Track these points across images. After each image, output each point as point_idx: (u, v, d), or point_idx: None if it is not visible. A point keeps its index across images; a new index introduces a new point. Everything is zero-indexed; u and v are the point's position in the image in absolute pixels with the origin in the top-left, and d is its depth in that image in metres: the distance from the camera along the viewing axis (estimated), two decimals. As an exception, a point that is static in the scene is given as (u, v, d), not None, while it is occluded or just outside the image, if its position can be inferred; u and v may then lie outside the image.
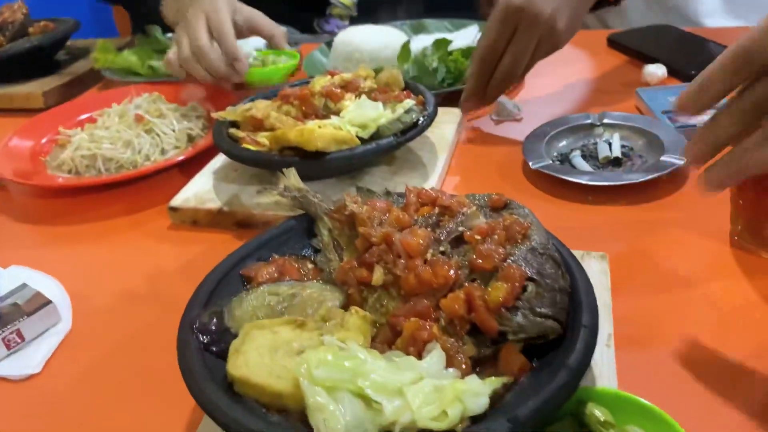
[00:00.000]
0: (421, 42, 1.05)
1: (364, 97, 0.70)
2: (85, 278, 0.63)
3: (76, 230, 0.72)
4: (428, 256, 0.44)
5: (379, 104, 0.68)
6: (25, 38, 1.12)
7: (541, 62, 0.79)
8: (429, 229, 0.46)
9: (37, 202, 0.78)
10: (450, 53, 0.93)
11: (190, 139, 0.84)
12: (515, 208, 0.47)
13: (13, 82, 1.07)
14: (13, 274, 0.62)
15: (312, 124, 0.66)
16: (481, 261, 0.41)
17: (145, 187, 0.76)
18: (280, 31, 1.00)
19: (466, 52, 0.93)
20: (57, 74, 1.10)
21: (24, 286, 0.58)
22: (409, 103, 0.68)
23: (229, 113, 0.73)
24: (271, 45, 1.01)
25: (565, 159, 0.72)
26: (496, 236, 0.43)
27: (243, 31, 0.95)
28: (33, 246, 0.70)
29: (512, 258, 0.41)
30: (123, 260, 0.66)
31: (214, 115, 0.73)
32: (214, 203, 0.68)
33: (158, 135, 0.82)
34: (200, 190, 0.70)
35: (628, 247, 0.57)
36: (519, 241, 0.43)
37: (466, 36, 1.03)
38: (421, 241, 0.44)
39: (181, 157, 0.75)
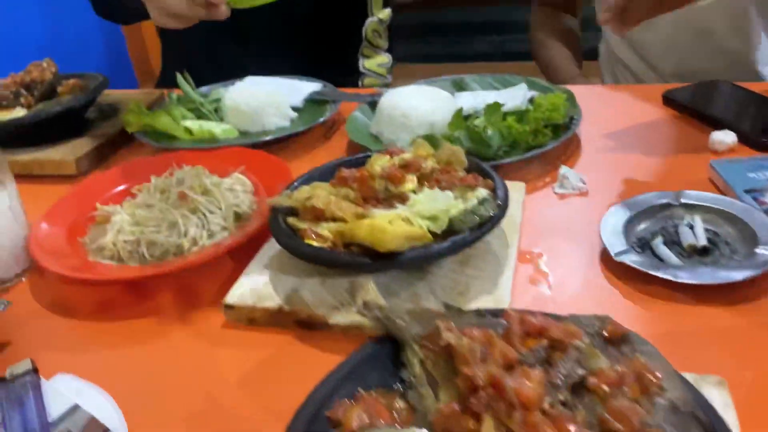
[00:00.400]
0: (464, 100, 1.01)
1: (437, 189, 0.65)
2: (137, 389, 0.58)
3: (121, 327, 0.67)
4: (545, 405, 0.39)
5: (449, 194, 0.64)
6: (54, 100, 1.08)
7: (596, 122, 0.75)
8: (541, 369, 0.41)
9: (75, 290, 0.73)
10: (503, 117, 0.88)
11: (238, 217, 0.79)
12: (637, 345, 0.42)
13: (41, 145, 1.03)
14: (60, 387, 0.57)
15: (380, 216, 0.62)
16: (617, 423, 0.36)
17: (193, 275, 0.72)
18: None
19: (520, 116, 0.89)
20: (87, 136, 1.06)
21: (76, 408, 0.53)
22: (482, 192, 0.64)
23: (285, 199, 0.68)
24: None
25: (645, 245, 0.67)
26: (626, 388, 0.38)
27: None
28: (75, 346, 0.65)
29: (652, 421, 0.36)
30: (176, 366, 0.61)
31: (269, 201, 0.69)
32: (272, 301, 0.63)
33: (204, 215, 0.77)
34: (256, 284, 0.65)
35: (742, 365, 0.52)
36: (653, 392, 0.38)
37: (514, 96, 0.98)
38: (538, 388, 0.39)
39: (231, 244, 0.71)
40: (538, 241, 0.72)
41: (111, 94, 1.22)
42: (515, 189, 0.77)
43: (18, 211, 0.75)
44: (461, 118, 0.88)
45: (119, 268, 0.72)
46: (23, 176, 0.97)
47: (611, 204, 0.72)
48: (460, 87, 1.09)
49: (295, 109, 1.09)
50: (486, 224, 0.61)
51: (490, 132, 0.85)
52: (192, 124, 1.04)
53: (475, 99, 1.00)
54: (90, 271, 0.71)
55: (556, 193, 0.80)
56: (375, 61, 1.36)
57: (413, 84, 1.04)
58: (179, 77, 1.09)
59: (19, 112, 1.05)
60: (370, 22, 1.35)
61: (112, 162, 1.05)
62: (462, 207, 0.62)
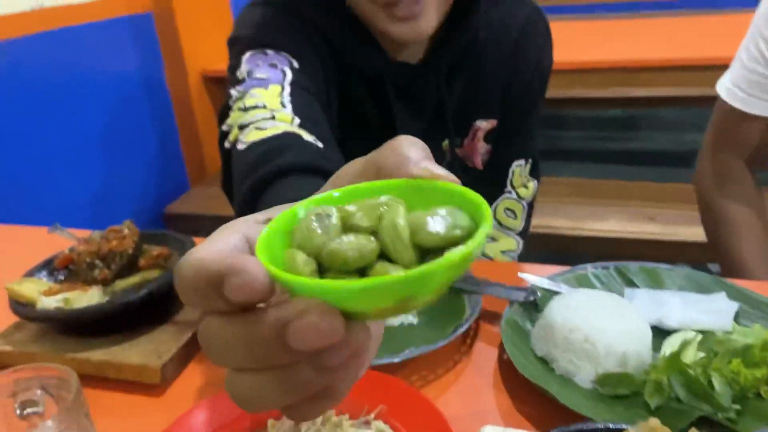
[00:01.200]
0: (643, 305, 0.81)
1: None
2: None
3: None
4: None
5: None
6: (136, 277, 0.90)
7: None
8: None
9: None
10: (729, 359, 0.68)
11: (393, 507, 0.58)
12: None
13: (115, 334, 0.84)
14: None
15: None
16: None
17: None
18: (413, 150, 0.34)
19: (746, 354, 0.68)
20: (171, 324, 0.87)
21: None
22: None
23: None
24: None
25: None
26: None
27: None
28: None
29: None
30: None
31: None
32: None
33: (351, 506, 0.57)
34: None
35: None
36: None
37: (715, 311, 0.78)
38: None
39: None
40: None
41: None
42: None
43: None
44: (678, 359, 0.67)
45: None
46: (93, 378, 0.79)
47: None
48: (627, 280, 0.89)
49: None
50: None
51: (718, 386, 0.65)
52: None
53: (657, 307, 0.80)
54: None
55: (832, 491, 0.58)
56: (500, 246, 1.04)
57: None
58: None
59: (94, 294, 0.87)
60: (505, 198, 1.04)
61: (197, 359, 0.85)
62: None
